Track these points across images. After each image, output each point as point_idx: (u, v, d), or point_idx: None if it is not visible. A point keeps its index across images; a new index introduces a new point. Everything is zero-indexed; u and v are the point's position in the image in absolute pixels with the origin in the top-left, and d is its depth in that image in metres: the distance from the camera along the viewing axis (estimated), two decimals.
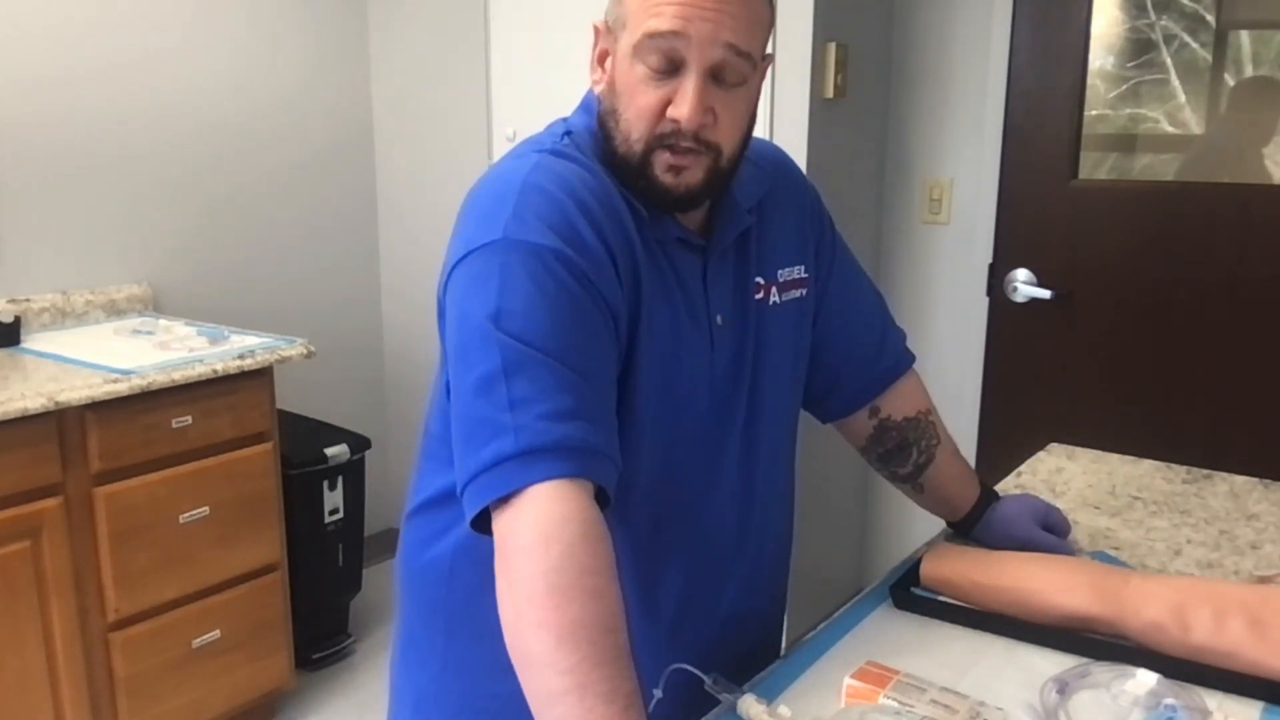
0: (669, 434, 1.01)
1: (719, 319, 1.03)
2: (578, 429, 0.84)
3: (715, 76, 0.92)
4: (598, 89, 0.99)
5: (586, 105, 1.03)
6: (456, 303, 0.91)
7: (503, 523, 0.83)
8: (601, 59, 0.98)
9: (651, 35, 0.90)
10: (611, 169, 0.97)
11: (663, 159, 0.93)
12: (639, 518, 1.01)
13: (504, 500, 0.83)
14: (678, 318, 0.99)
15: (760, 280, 1.07)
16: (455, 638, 1.07)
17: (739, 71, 0.93)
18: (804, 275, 1.12)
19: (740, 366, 1.05)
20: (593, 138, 1.00)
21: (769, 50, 0.99)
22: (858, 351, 1.19)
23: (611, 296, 0.91)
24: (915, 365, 1.25)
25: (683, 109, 0.91)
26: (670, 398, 0.99)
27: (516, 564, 0.81)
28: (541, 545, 0.80)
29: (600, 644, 0.78)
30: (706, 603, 1.09)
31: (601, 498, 0.87)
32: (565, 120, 1.04)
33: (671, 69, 0.91)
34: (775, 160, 1.14)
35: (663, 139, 0.93)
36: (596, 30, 0.98)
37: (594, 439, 0.85)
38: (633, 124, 0.94)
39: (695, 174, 0.94)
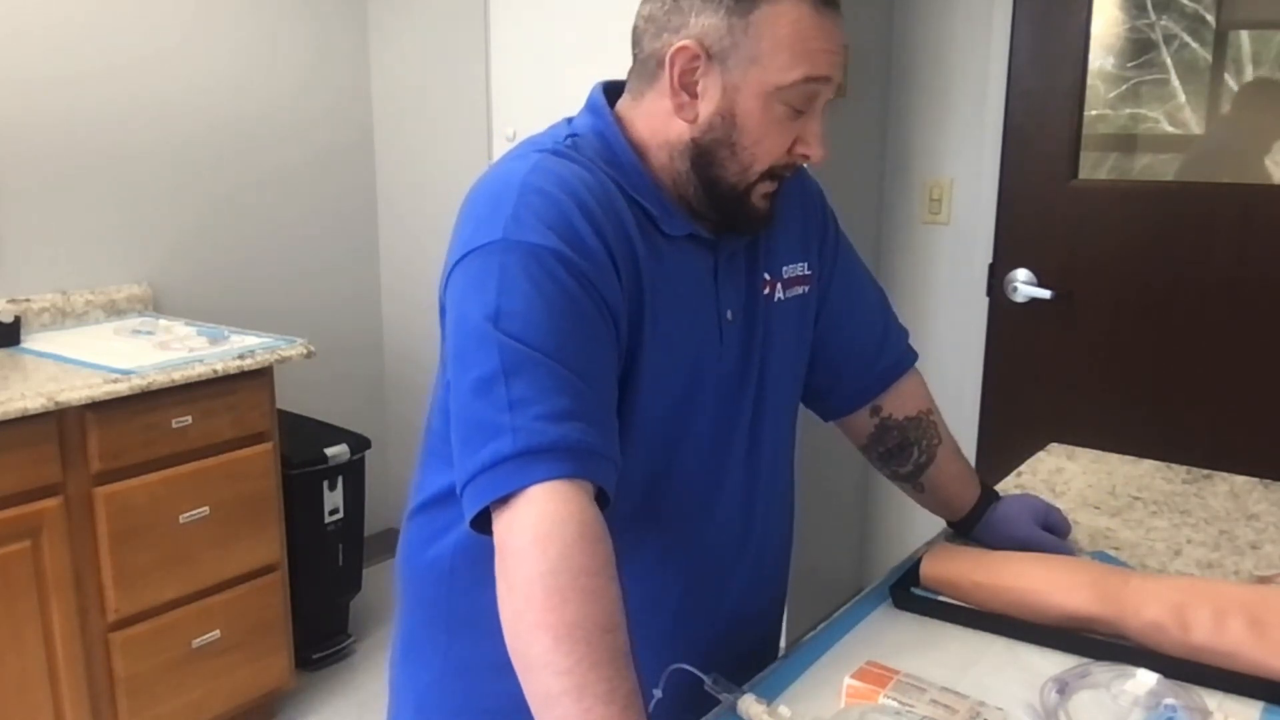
0: (676, 431, 1.01)
1: (729, 315, 1.03)
2: (576, 429, 0.84)
3: None
4: (685, 115, 0.95)
5: (593, 106, 1.02)
6: (455, 303, 0.91)
7: (501, 524, 0.84)
8: (687, 81, 0.94)
9: (811, 80, 0.92)
10: (704, 193, 0.98)
11: (764, 187, 0.97)
12: (644, 516, 1.01)
13: (503, 501, 0.83)
14: (685, 315, 0.99)
15: (767, 276, 1.07)
16: (457, 636, 1.07)
17: None
18: (807, 272, 1.12)
19: (748, 363, 1.05)
20: (600, 139, 0.99)
21: None
22: (859, 350, 1.19)
23: (611, 297, 0.91)
24: (915, 364, 1.25)
25: (816, 149, 0.96)
26: (677, 394, 0.99)
27: (514, 565, 0.81)
28: (539, 546, 0.80)
29: (598, 644, 0.78)
30: (708, 602, 1.09)
31: (601, 498, 0.87)
32: (570, 121, 1.03)
33: (806, 109, 0.95)
34: None
35: (778, 170, 0.97)
36: (685, 51, 0.93)
37: (592, 439, 0.85)
38: (759, 159, 0.95)
39: (774, 195, 0.99)
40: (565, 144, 0.98)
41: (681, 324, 0.99)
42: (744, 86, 0.92)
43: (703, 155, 0.96)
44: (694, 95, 0.95)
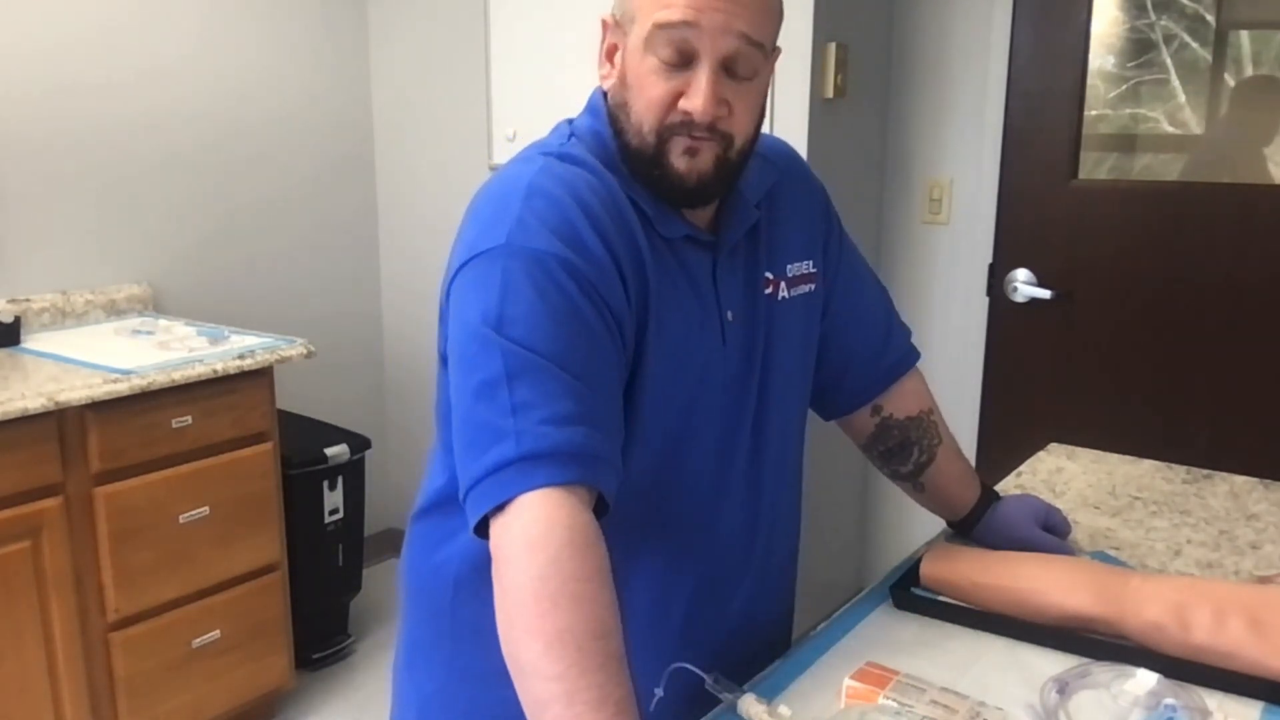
0: (683, 434, 1.00)
1: (729, 315, 1.03)
2: (580, 434, 0.84)
3: (728, 68, 0.92)
4: (606, 84, 0.98)
5: (592, 107, 1.02)
6: (459, 308, 0.91)
7: (497, 529, 0.83)
8: (610, 54, 0.98)
9: (662, 26, 0.90)
10: (625, 163, 0.97)
11: (679, 143, 0.93)
12: (652, 520, 1.01)
13: (500, 508, 0.83)
14: (688, 316, 0.99)
15: (770, 275, 1.07)
16: (462, 644, 1.06)
17: (751, 63, 0.93)
18: (812, 270, 1.12)
19: (751, 362, 1.05)
20: (597, 140, 0.99)
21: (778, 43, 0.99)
22: (861, 350, 1.19)
23: (615, 302, 0.91)
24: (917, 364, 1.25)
25: (696, 101, 0.91)
26: (683, 398, 0.99)
27: (506, 572, 0.81)
28: (529, 552, 0.80)
29: (588, 650, 0.77)
30: (716, 607, 1.08)
31: (600, 506, 0.86)
32: (570, 122, 1.03)
33: (683, 61, 0.91)
34: (784, 155, 1.14)
35: (674, 129, 0.93)
36: (605, 24, 0.98)
37: (595, 444, 0.85)
38: (644, 116, 0.93)
39: (707, 160, 0.94)
40: (569, 144, 0.98)
41: (685, 327, 0.98)
42: (629, 46, 0.94)
43: (615, 122, 0.97)
44: (613, 65, 0.97)
